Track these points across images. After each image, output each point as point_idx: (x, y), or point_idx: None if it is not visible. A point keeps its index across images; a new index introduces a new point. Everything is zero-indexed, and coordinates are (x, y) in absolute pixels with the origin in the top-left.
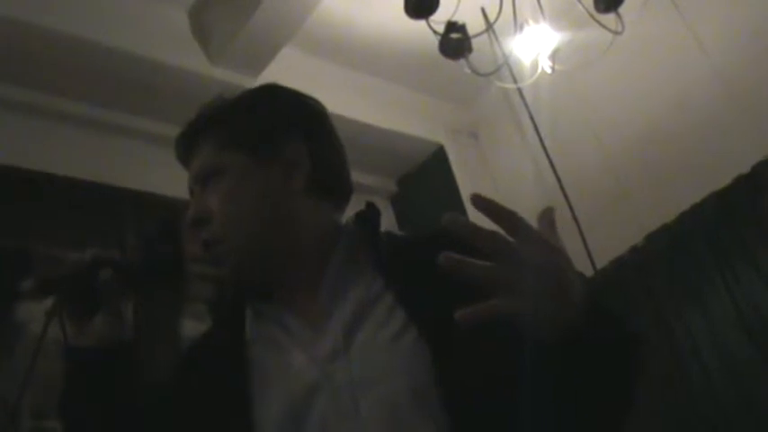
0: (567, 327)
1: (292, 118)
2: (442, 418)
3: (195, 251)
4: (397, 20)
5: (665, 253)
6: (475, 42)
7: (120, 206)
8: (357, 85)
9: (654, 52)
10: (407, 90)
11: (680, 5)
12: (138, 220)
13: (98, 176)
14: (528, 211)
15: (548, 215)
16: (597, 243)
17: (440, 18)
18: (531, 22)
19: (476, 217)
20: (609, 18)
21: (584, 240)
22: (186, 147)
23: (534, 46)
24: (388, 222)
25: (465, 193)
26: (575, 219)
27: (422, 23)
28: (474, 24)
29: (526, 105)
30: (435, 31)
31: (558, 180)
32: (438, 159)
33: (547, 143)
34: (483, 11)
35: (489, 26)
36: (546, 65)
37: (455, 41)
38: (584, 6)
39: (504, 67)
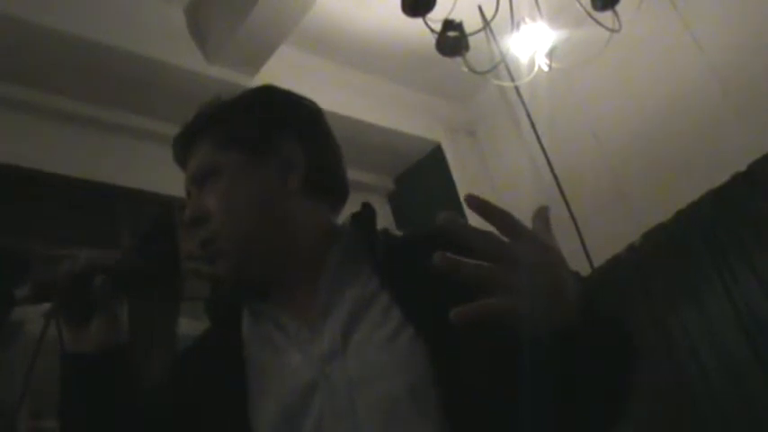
0: (564, 325)
1: (288, 118)
2: (439, 418)
3: (192, 249)
4: (395, 18)
5: (663, 251)
6: (472, 40)
7: (115, 204)
8: (354, 84)
9: (651, 50)
10: (404, 88)
11: (677, 3)
12: (134, 217)
13: (94, 174)
14: (525, 209)
15: (542, 214)
16: (594, 241)
17: (437, 16)
18: (528, 20)
19: (473, 215)
20: (606, 16)
21: (581, 238)
22: (183, 147)
23: (531, 44)
24: (385, 220)
25: (462, 190)
26: (572, 217)
27: (419, 21)
28: (471, 22)
29: (523, 103)
30: (432, 29)
31: (556, 178)
32: (435, 157)
33: (544, 141)
34: (480, 9)
35: (486, 24)
36: (543, 63)
37: (452, 39)
38: (581, 4)
39: (502, 65)
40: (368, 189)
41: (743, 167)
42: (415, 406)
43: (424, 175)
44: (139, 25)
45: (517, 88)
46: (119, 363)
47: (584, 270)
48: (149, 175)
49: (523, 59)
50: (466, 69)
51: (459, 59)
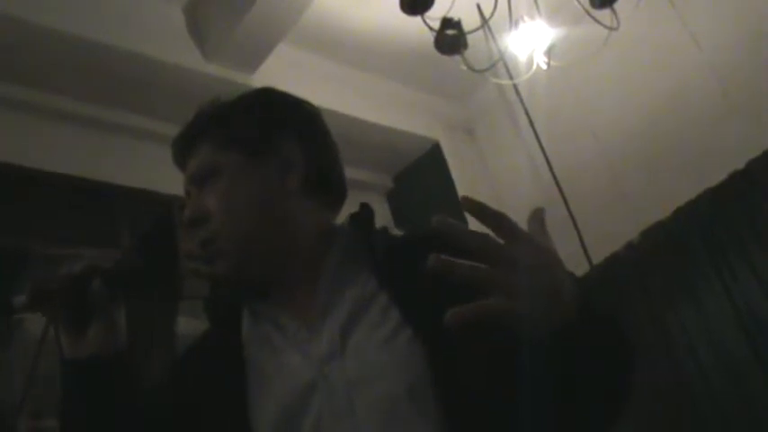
0: (562, 325)
1: (287, 119)
2: (438, 418)
3: (192, 249)
4: (393, 16)
5: (661, 249)
6: (470, 38)
7: (115, 203)
8: (353, 82)
9: (649, 48)
10: (403, 86)
11: (675, 1)
12: (134, 217)
13: (93, 174)
14: (523, 207)
15: (538, 215)
16: (593, 239)
17: (435, 14)
18: (526, 18)
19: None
20: (604, 14)
21: (579, 236)
22: (182, 148)
23: (530, 42)
24: (384, 218)
25: (461, 188)
26: (570, 215)
27: (417, 20)
28: (469, 20)
29: (522, 101)
30: (431, 28)
31: (554, 176)
32: (434, 156)
33: (542, 139)
34: (478, 7)
35: (485, 22)
36: (541, 61)
37: (450, 38)
38: (579, 2)
39: (500, 63)
40: (366, 187)
41: (741, 165)
42: (414, 406)
43: (423, 173)
44: (138, 24)
45: (516, 86)
46: (117, 367)
47: (583, 268)
48: (149, 174)
49: (522, 57)
50: (464, 67)
51: (457, 57)
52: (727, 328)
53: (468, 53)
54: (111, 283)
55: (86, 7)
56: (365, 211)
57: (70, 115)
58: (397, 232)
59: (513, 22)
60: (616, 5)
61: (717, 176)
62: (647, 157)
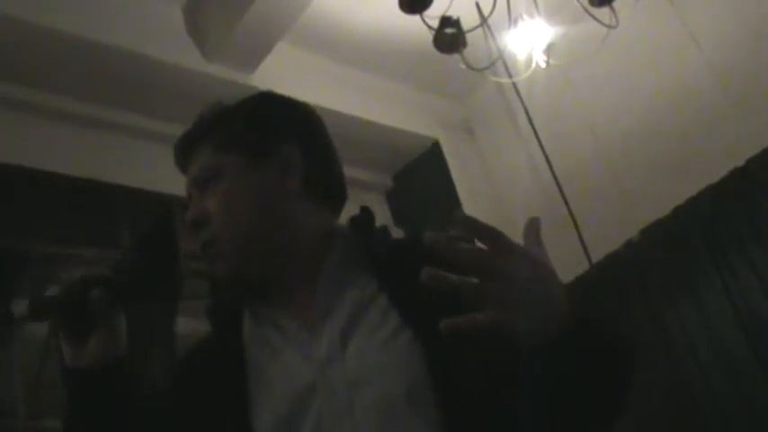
0: (560, 335)
1: (288, 122)
2: (437, 418)
3: (194, 250)
4: (392, 15)
5: (661, 247)
6: (469, 37)
7: (115, 203)
8: (352, 81)
9: (648, 46)
10: (402, 85)
11: (674, 0)
12: (134, 217)
13: (94, 173)
14: (523, 205)
15: (533, 225)
16: (593, 237)
17: (434, 13)
18: (525, 16)
19: (473, 211)
20: (603, 12)
21: (579, 234)
22: (184, 151)
23: (529, 40)
24: (383, 217)
25: (460, 187)
26: (570, 213)
27: (416, 18)
28: (468, 19)
29: (521, 100)
30: (430, 26)
31: (554, 174)
32: (433, 154)
33: (542, 137)
34: (477, 5)
35: (484, 21)
36: (540, 59)
37: (449, 36)
38: (578, 1)
39: (499, 61)
40: (366, 186)
41: (741, 163)
42: (413, 407)
43: (423, 172)
44: (138, 24)
45: (515, 85)
46: (119, 373)
47: (583, 266)
48: (149, 174)
49: (521, 56)
50: (463, 66)
51: (456, 56)
52: (726, 327)
53: (468, 52)
54: (111, 290)
55: (86, 7)
56: (365, 214)
57: (70, 115)
58: (397, 231)
59: (512, 20)
60: (615, 4)
61: (716, 174)
62: (646, 156)
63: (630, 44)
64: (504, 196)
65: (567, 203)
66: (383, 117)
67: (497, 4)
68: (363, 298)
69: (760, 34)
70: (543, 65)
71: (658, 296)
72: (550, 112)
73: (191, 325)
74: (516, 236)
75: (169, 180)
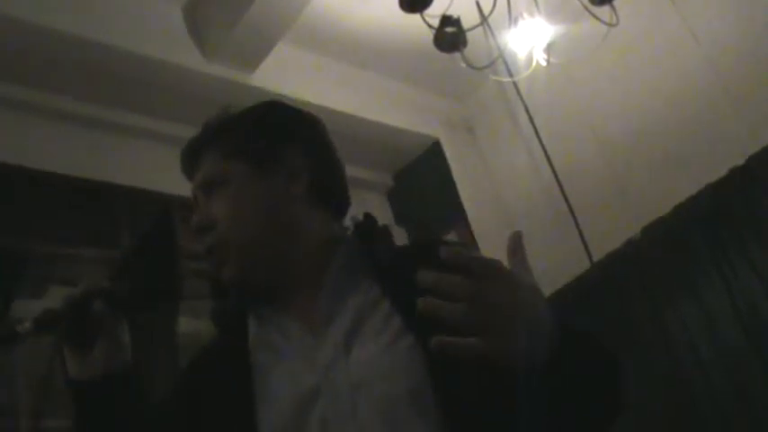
0: (549, 354)
1: (293, 131)
2: (437, 419)
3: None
4: (392, 14)
5: (662, 246)
6: (470, 36)
7: (115, 203)
8: (353, 80)
9: (648, 44)
10: (403, 84)
11: None
12: (133, 216)
13: (94, 173)
14: (524, 205)
15: (515, 240)
16: (593, 236)
17: (434, 12)
18: (525, 15)
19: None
20: (603, 11)
21: (580, 233)
22: (191, 157)
23: (529, 39)
24: (384, 217)
25: (461, 186)
26: (571, 211)
27: (416, 17)
28: (469, 18)
29: (522, 99)
30: (430, 25)
31: (554, 173)
32: (434, 154)
33: (542, 136)
34: (478, 4)
35: (484, 19)
36: (541, 58)
37: (450, 35)
38: None
39: (500, 60)
40: (367, 186)
41: (741, 161)
42: (414, 407)
43: (423, 171)
44: (137, 24)
45: (515, 83)
46: (124, 382)
47: (584, 265)
48: (149, 174)
49: (521, 55)
50: (464, 65)
51: (456, 55)
52: (727, 325)
53: (468, 51)
54: (112, 302)
55: (86, 7)
56: (368, 221)
57: (70, 115)
58: (397, 230)
59: (512, 19)
60: (615, 2)
61: (717, 172)
62: (647, 154)
63: (631, 42)
64: (505, 195)
65: (567, 202)
66: (383, 116)
67: (498, 3)
68: (366, 303)
69: (760, 32)
70: (544, 63)
71: (659, 295)
72: (551, 110)
73: (191, 325)
74: None
75: (169, 180)
